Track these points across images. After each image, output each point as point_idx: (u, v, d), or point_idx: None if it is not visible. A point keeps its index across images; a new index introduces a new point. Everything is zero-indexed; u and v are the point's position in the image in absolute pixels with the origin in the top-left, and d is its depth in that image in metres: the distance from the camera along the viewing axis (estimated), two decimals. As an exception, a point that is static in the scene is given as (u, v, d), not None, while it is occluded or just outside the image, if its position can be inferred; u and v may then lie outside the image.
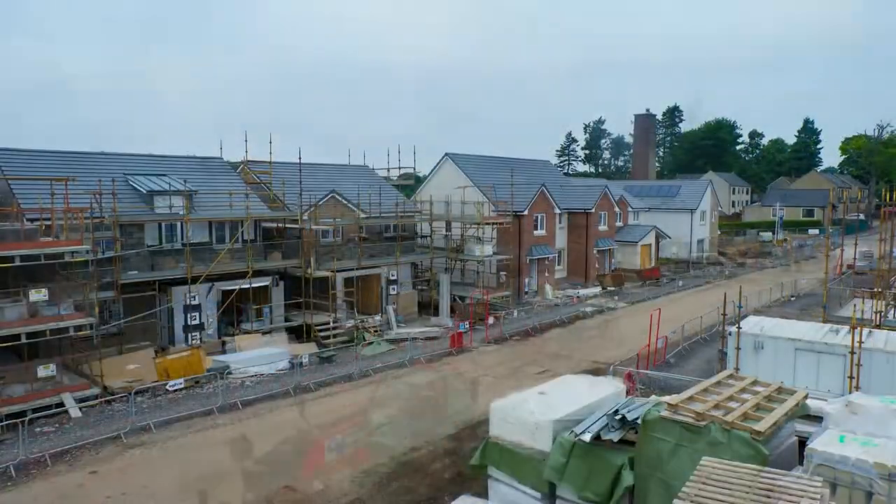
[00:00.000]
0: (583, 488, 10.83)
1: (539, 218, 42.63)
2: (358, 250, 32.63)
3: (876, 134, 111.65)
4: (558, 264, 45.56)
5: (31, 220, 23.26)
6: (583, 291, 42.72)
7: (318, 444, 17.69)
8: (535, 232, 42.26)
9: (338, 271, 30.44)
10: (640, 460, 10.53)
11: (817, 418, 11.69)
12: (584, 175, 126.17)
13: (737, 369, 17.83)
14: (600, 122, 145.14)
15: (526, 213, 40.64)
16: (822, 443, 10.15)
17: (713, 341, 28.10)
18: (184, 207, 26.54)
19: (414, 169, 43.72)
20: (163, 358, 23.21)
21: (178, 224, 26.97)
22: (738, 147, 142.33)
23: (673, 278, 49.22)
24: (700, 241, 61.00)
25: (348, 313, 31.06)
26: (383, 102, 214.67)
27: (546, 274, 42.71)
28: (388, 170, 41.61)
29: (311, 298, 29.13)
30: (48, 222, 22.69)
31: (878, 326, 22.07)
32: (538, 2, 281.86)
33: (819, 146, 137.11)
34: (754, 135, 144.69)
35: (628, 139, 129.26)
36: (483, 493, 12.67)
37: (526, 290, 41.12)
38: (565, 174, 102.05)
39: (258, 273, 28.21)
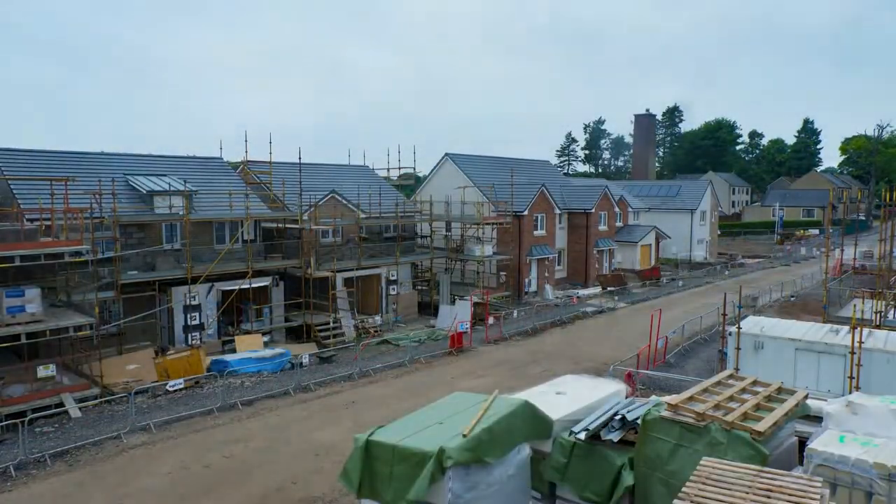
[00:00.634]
0: (583, 488, 10.84)
1: (539, 218, 42.63)
2: (358, 250, 32.63)
3: (876, 134, 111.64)
4: (558, 264, 45.57)
5: (31, 220, 23.27)
6: (583, 291, 42.73)
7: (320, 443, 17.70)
8: (535, 232, 42.27)
9: (338, 271, 30.45)
10: (640, 460, 10.52)
11: (817, 418, 11.67)
12: (584, 175, 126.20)
13: (737, 369, 17.82)
14: (600, 122, 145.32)
15: (526, 213, 40.64)
16: (822, 443, 10.14)
17: (713, 341, 28.11)
18: (184, 207, 26.53)
19: (414, 169, 43.80)
20: (162, 358, 23.20)
21: (178, 224, 26.97)
22: (738, 147, 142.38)
23: (673, 278, 49.21)
24: (700, 242, 61.02)
25: (348, 313, 31.07)
26: (383, 103, 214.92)
27: (546, 274, 42.72)
28: (388, 170, 41.65)
29: (311, 298, 29.14)
30: (48, 222, 22.70)
31: (878, 326, 22.06)
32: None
33: (819, 146, 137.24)
34: (754, 135, 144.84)
35: (628, 139, 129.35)
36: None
37: (526, 290, 41.13)
38: (565, 174, 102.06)
39: (258, 273, 28.21)
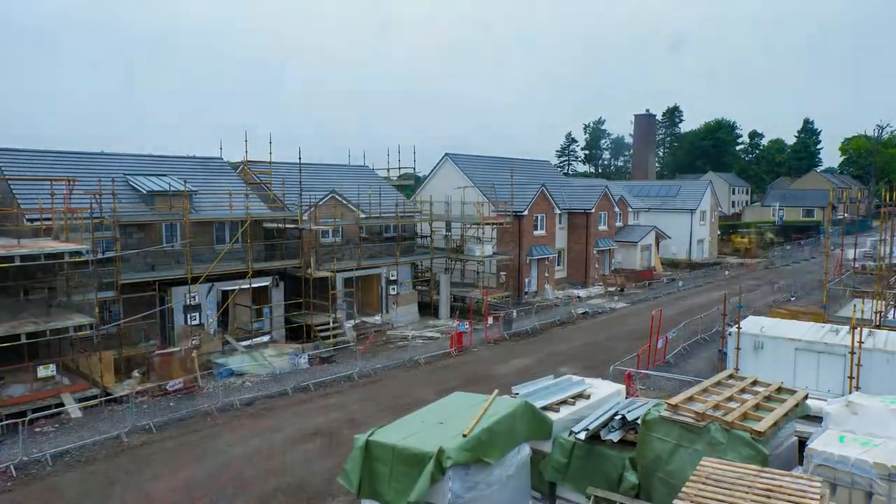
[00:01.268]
0: (584, 488, 10.85)
1: (539, 218, 42.62)
2: (358, 250, 32.63)
3: (876, 134, 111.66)
4: (558, 264, 45.56)
5: (31, 221, 23.25)
6: (583, 291, 42.72)
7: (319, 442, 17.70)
8: (535, 232, 42.25)
9: (338, 271, 30.44)
10: (641, 460, 10.53)
11: (817, 418, 11.68)
12: (584, 175, 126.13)
13: (737, 369, 17.83)
14: (600, 122, 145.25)
15: (526, 213, 40.62)
16: (822, 443, 10.15)
17: (713, 341, 28.12)
18: (184, 208, 26.50)
19: (414, 169, 43.75)
20: (161, 358, 23.17)
21: (178, 224, 26.95)
22: (737, 147, 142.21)
23: (673, 278, 49.20)
24: (700, 242, 61.03)
25: (348, 313, 31.07)
26: (385, 102, 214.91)
27: (546, 274, 42.71)
28: (388, 170, 41.62)
29: (311, 299, 29.13)
30: (48, 222, 22.68)
31: (878, 326, 22.06)
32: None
33: (819, 146, 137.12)
34: (754, 135, 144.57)
35: (628, 139, 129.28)
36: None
37: (526, 290, 41.12)
38: (565, 174, 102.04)
39: (258, 273, 28.20)
